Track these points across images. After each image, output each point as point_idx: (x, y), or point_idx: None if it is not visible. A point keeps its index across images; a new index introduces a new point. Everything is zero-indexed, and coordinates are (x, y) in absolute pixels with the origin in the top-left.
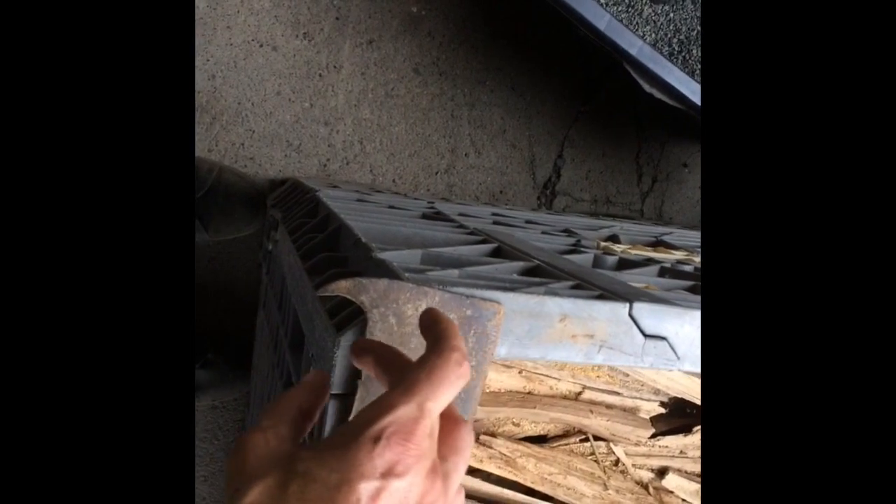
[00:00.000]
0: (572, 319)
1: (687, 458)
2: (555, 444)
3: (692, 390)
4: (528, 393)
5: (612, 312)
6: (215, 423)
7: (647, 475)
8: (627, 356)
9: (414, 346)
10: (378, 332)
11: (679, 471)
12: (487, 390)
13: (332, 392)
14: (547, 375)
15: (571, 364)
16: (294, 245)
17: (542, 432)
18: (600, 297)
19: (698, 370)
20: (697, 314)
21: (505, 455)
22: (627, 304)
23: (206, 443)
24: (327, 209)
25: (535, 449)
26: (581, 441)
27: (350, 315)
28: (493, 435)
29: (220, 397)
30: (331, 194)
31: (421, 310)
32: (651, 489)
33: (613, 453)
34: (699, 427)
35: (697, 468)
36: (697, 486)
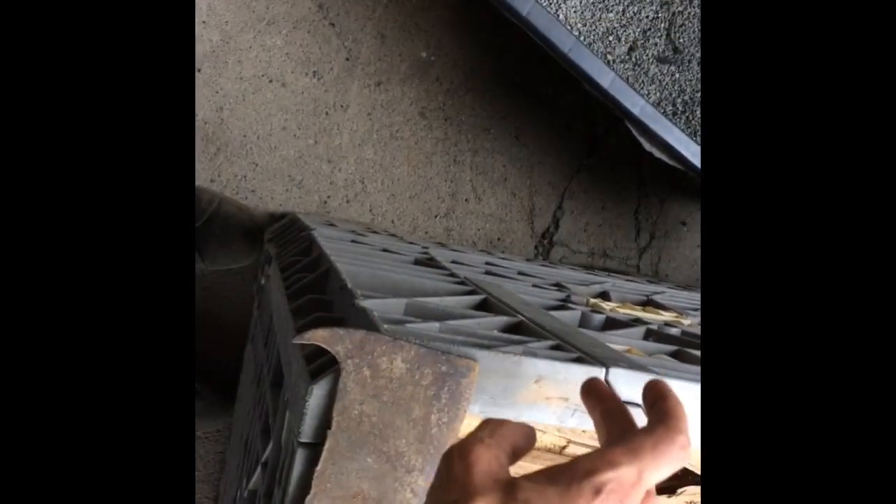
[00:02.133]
0: (547, 381)
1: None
2: None
3: None
4: None
5: (587, 377)
6: (196, 452)
7: None
8: None
9: (386, 399)
10: (352, 382)
11: None
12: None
13: (301, 440)
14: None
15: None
16: (283, 283)
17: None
18: (577, 361)
19: None
20: (675, 384)
21: None
22: (604, 370)
23: None
24: (320, 249)
25: None
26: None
27: (326, 363)
28: None
29: (203, 427)
30: (325, 233)
31: (396, 363)
32: None
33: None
34: (685, 489)
35: None
36: None
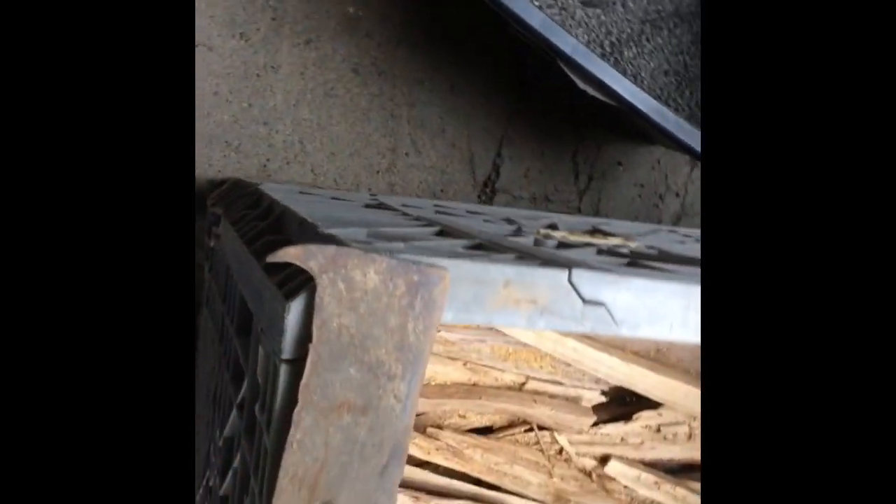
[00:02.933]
0: (515, 285)
1: (628, 445)
2: (500, 435)
3: (633, 379)
4: (474, 385)
5: (552, 279)
6: None
7: (590, 463)
8: (567, 321)
9: (362, 311)
10: (328, 296)
11: (620, 458)
12: (433, 383)
13: (284, 357)
14: (491, 367)
15: (515, 354)
16: (238, 234)
17: (488, 423)
18: (543, 265)
19: (636, 335)
20: (634, 281)
21: (452, 446)
22: (567, 271)
23: None
24: (270, 198)
25: (481, 440)
26: (526, 431)
27: (298, 285)
28: (440, 427)
29: None
30: (273, 187)
31: (369, 276)
32: (594, 476)
33: (557, 442)
34: (640, 414)
35: (638, 455)
36: (638, 473)
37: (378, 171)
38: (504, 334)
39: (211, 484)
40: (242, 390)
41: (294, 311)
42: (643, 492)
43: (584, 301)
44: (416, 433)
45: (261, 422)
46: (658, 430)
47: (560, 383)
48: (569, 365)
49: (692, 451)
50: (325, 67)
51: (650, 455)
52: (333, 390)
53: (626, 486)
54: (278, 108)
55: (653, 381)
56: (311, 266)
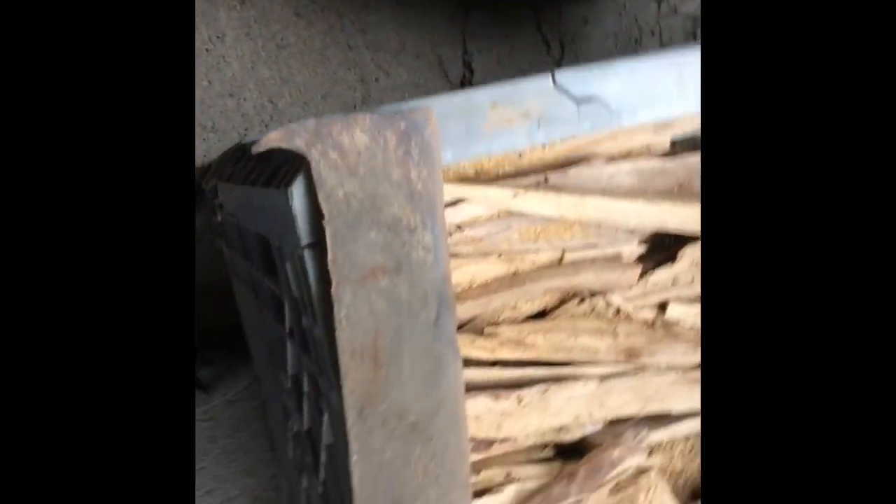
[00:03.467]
0: (503, 104)
1: (680, 285)
2: (556, 314)
3: (664, 218)
4: (514, 274)
5: (538, 86)
6: (234, 416)
7: (649, 314)
8: (566, 125)
9: (362, 173)
10: (324, 168)
11: (677, 299)
12: (475, 285)
13: (303, 245)
14: (525, 251)
15: (544, 232)
16: (233, 183)
17: (540, 307)
18: (524, 78)
19: (637, 121)
20: (620, 67)
21: (513, 339)
22: (550, 76)
23: (232, 437)
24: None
25: (538, 324)
26: (579, 303)
27: (293, 171)
28: (496, 324)
29: (231, 389)
30: (254, 135)
31: (357, 136)
32: (657, 325)
33: (612, 303)
34: (682, 252)
35: (693, 292)
36: (698, 309)
37: (355, 105)
38: (527, 215)
39: (295, 428)
40: (287, 318)
41: (297, 195)
42: None
43: (577, 100)
44: (475, 336)
45: (308, 325)
46: None
47: (595, 245)
48: (598, 225)
49: None
50: (268, 21)
51: None
52: (361, 258)
53: (690, 327)
54: (237, 75)
55: (683, 214)
56: (298, 144)
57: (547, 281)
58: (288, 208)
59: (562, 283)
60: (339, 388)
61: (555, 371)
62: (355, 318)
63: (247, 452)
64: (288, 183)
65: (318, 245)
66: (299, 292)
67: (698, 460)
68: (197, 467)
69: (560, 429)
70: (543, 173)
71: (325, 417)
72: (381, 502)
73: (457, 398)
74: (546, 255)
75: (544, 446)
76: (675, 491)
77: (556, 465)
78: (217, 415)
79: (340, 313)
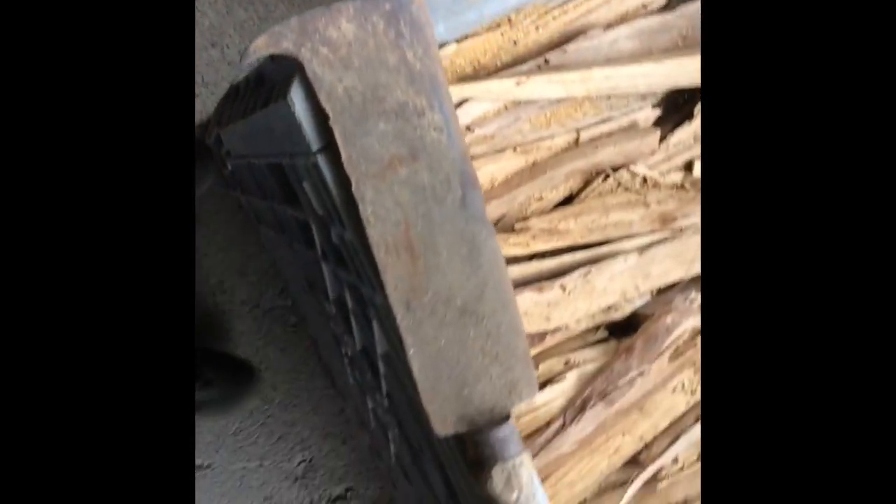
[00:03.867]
0: None
1: (699, 142)
2: (583, 196)
3: (673, 75)
4: (533, 164)
5: None
6: (290, 361)
7: (676, 176)
8: None
9: (358, 64)
10: (318, 66)
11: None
12: (496, 184)
13: (314, 150)
14: (539, 139)
15: (555, 116)
16: (234, 123)
17: (565, 193)
18: None
19: None
20: None
21: (545, 229)
22: None
23: (292, 382)
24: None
25: (567, 209)
26: (604, 180)
27: (286, 79)
28: (525, 218)
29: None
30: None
31: (344, 27)
32: (687, 186)
33: (637, 174)
34: (698, 107)
35: None
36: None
37: None
38: (534, 101)
39: (349, 353)
40: (316, 240)
41: (297, 101)
42: None
43: None
44: (507, 234)
45: (338, 235)
46: None
47: (609, 119)
48: (608, 97)
49: None
50: None
51: None
52: (375, 152)
53: None
54: (215, 23)
55: (692, 67)
56: (286, 46)
57: (567, 165)
58: (291, 117)
59: (583, 164)
60: (381, 287)
61: (593, 253)
62: (382, 212)
63: (310, 393)
64: (285, 93)
65: (330, 148)
66: (322, 205)
67: None
68: (264, 417)
69: (609, 308)
70: (542, 56)
71: (375, 326)
72: (446, 389)
73: (500, 275)
74: (561, 139)
75: (597, 328)
76: None
77: (611, 344)
78: (272, 364)
79: (367, 211)
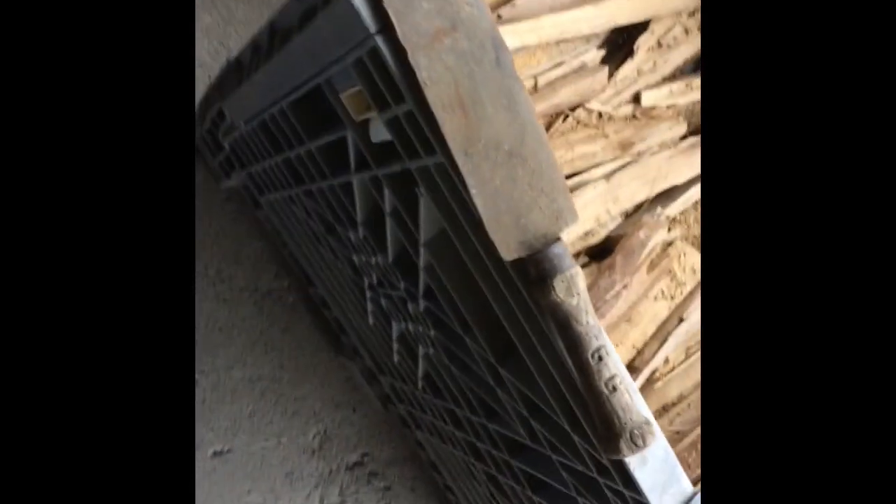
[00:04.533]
0: None
1: (645, 74)
2: (548, 136)
3: (613, 16)
4: None
5: None
6: (294, 339)
7: (627, 108)
8: None
9: None
10: None
11: (647, 87)
12: None
13: (374, 31)
14: None
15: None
16: (250, 78)
17: None
18: None
19: None
20: None
21: None
22: None
23: (297, 359)
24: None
25: None
26: (564, 119)
27: None
28: None
29: None
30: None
31: None
32: (638, 115)
33: (593, 110)
34: (637, 43)
35: (659, 75)
36: (667, 88)
37: None
38: None
39: (376, 278)
40: (350, 152)
41: None
42: (682, 101)
43: None
44: None
45: (392, 113)
46: (659, 45)
47: (562, 63)
48: (557, 43)
49: (694, 43)
50: None
51: (669, 68)
52: (422, 26)
53: (667, 106)
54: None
55: (628, 5)
56: None
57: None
58: (350, 8)
59: (544, 107)
60: (441, 141)
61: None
62: (435, 76)
63: (315, 367)
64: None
65: (386, 28)
66: (374, 91)
67: None
68: (276, 396)
69: (586, 234)
70: (495, 12)
71: (422, 205)
72: (506, 220)
73: (535, 121)
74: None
75: (577, 255)
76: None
77: (593, 267)
78: (276, 344)
79: (423, 76)
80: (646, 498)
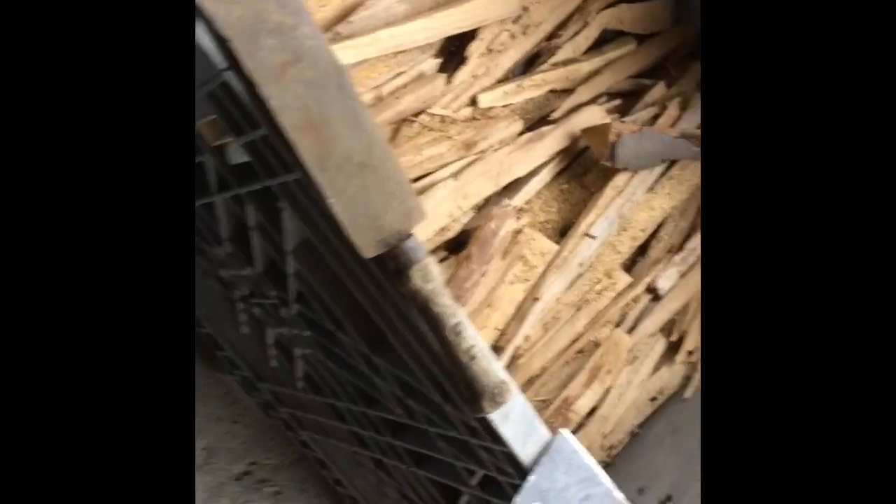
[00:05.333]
0: None
1: (480, 77)
2: (396, 143)
3: (443, 25)
4: None
5: None
6: None
7: (467, 111)
8: None
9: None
10: (208, 4)
11: (482, 90)
12: None
13: (223, 67)
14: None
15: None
16: None
17: None
18: None
19: None
20: None
21: None
22: None
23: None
24: None
25: None
26: (409, 125)
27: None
28: None
29: None
30: None
31: None
32: (478, 115)
33: (435, 115)
34: (469, 49)
35: (492, 78)
36: (501, 90)
37: None
38: None
39: (246, 290)
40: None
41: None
42: (516, 100)
43: None
44: None
45: (247, 139)
46: (489, 51)
47: (401, 72)
48: (395, 54)
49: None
50: None
51: (500, 71)
52: (269, 60)
53: (503, 106)
54: None
55: (456, 16)
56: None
57: (377, 118)
58: (199, 47)
59: (389, 115)
60: (298, 160)
61: (417, 186)
62: (286, 103)
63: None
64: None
65: (234, 66)
66: (235, 111)
67: (557, 207)
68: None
69: (442, 230)
70: (332, 30)
71: (285, 219)
72: (363, 222)
73: (380, 135)
74: (366, 97)
75: (436, 249)
76: (548, 235)
77: (452, 259)
78: None
79: (274, 104)
80: (511, 448)
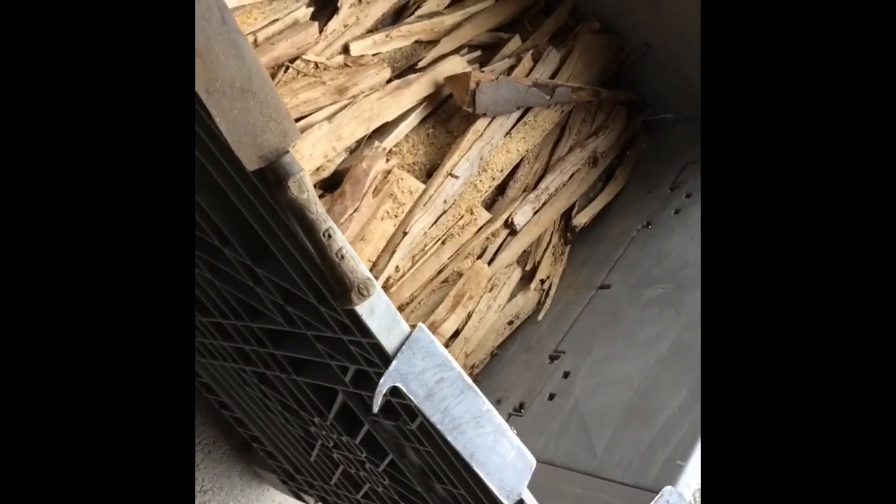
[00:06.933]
0: None
1: (351, 27)
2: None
3: None
4: None
5: None
6: None
7: (340, 58)
8: None
9: None
10: None
11: (353, 39)
12: None
13: None
14: None
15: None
16: None
17: None
18: None
19: None
20: None
21: None
22: None
23: None
24: None
25: None
26: (285, 71)
27: None
28: None
29: None
30: None
31: None
32: (349, 62)
33: (309, 61)
34: (340, 3)
35: (362, 28)
36: (370, 38)
37: None
38: None
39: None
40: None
41: None
42: (385, 49)
43: None
44: None
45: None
46: (360, 1)
47: (277, 20)
48: (270, 1)
49: None
50: None
51: (370, 21)
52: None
53: (373, 54)
54: None
55: None
56: None
57: None
58: None
59: (266, 60)
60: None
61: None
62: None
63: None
64: None
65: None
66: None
67: (423, 149)
68: None
69: (318, 169)
70: None
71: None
72: (246, 140)
73: (259, 64)
74: None
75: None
76: (415, 175)
77: (327, 197)
78: None
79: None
80: (377, 339)
